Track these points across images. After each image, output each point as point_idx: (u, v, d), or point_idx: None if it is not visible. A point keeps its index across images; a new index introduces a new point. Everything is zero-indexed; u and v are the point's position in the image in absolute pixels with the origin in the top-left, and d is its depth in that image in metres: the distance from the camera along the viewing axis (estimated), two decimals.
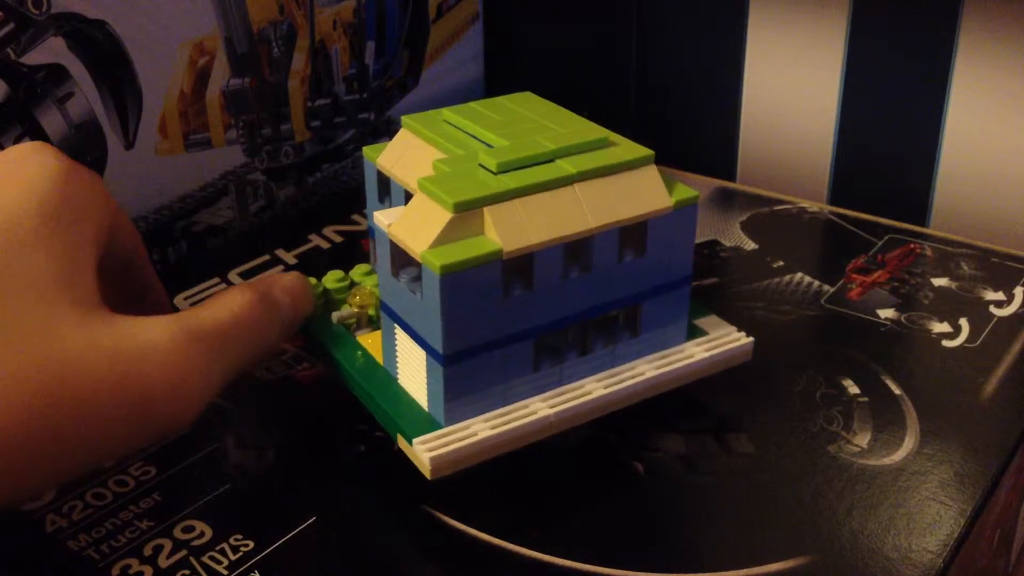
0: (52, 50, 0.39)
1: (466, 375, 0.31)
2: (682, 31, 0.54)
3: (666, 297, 0.33)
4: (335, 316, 0.35)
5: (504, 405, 0.32)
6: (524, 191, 0.30)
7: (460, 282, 0.29)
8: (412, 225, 0.30)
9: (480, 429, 0.31)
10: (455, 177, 0.31)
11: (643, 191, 0.32)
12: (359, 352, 0.34)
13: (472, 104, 0.36)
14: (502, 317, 0.30)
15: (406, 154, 0.34)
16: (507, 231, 0.30)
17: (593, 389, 0.32)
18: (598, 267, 0.31)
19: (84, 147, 0.41)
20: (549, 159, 0.31)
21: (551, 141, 0.32)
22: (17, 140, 0.39)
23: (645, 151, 0.32)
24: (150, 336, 0.28)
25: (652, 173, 0.32)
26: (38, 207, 0.28)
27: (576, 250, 0.31)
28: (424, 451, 0.30)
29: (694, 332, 0.35)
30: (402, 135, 0.35)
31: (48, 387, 0.26)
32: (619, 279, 0.32)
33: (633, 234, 0.32)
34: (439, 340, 0.30)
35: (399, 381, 0.33)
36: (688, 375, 0.34)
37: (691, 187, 0.33)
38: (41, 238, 0.27)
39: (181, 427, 0.29)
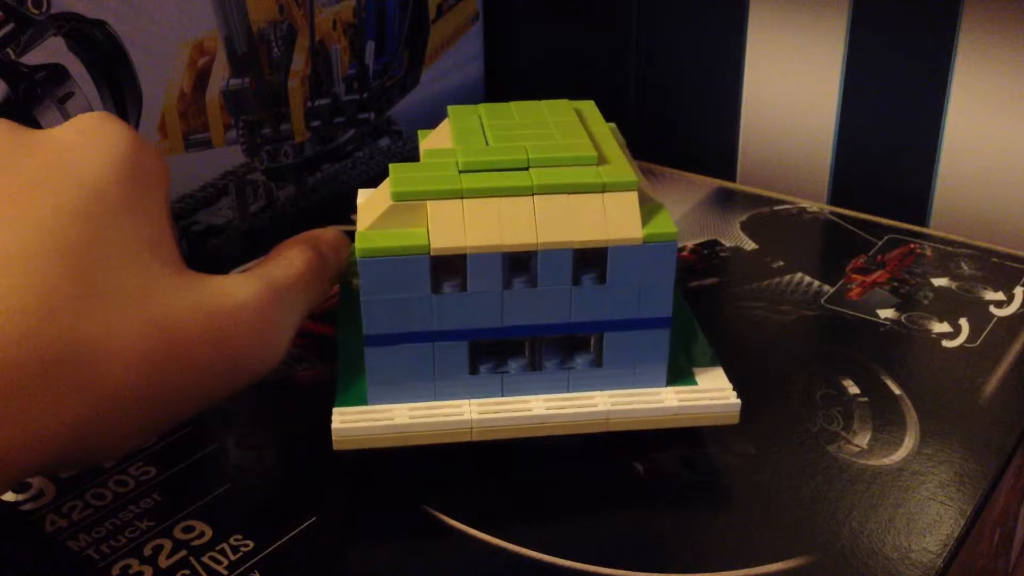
0: (52, 50, 0.39)
1: (391, 360, 0.31)
2: (682, 31, 0.54)
3: (637, 335, 0.32)
4: (356, 282, 0.36)
5: (435, 399, 0.32)
6: (475, 193, 0.30)
7: (381, 268, 0.30)
8: (370, 206, 0.31)
9: (399, 415, 0.31)
10: (421, 168, 0.31)
11: (610, 217, 0.31)
12: (355, 319, 0.35)
13: (512, 103, 0.36)
14: (433, 312, 0.31)
15: (434, 140, 0.35)
16: (442, 228, 0.30)
17: (535, 407, 0.32)
18: (547, 285, 0.31)
19: None
20: (523, 167, 0.31)
21: (535, 151, 0.31)
22: None
23: (629, 177, 0.31)
24: (239, 294, 0.29)
25: (629, 200, 0.31)
26: (120, 174, 0.29)
27: (520, 262, 0.31)
28: (336, 421, 0.31)
29: (686, 380, 0.33)
30: (444, 123, 0.36)
31: (157, 347, 0.27)
32: (576, 303, 0.31)
33: (592, 259, 0.31)
34: (364, 320, 0.31)
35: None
36: (651, 420, 0.32)
37: (670, 225, 0.31)
38: (126, 204, 0.28)
39: (268, 373, 0.31)
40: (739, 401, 0.32)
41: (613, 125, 0.39)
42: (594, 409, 0.32)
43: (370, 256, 0.30)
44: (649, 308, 0.32)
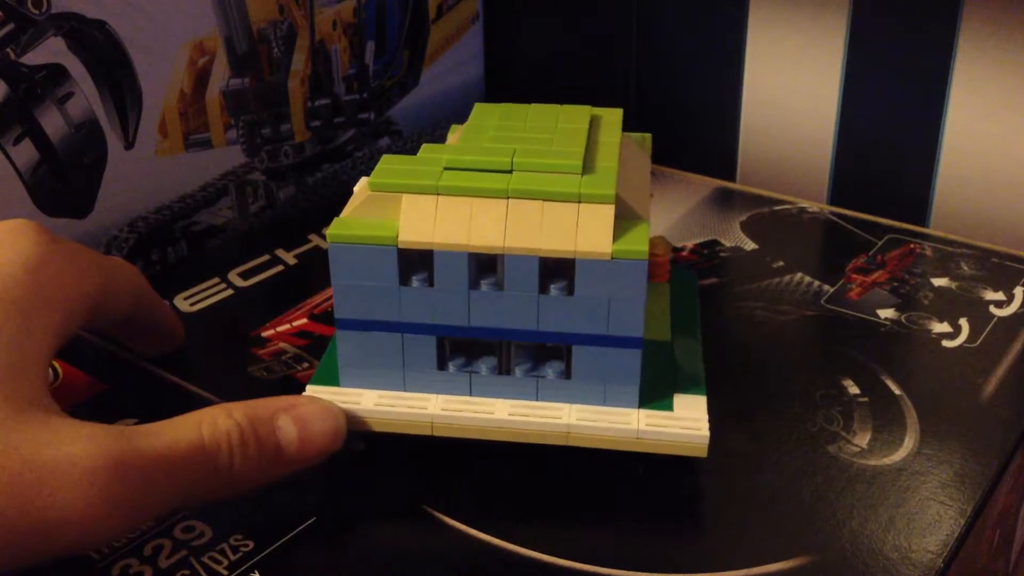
0: (52, 50, 0.39)
1: (361, 346, 0.32)
2: (682, 31, 0.54)
3: (607, 352, 0.31)
4: None
5: (403, 390, 0.32)
6: (450, 191, 0.30)
7: (350, 255, 0.31)
8: (357, 194, 0.32)
9: (367, 401, 0.32)
10: (409, 162, 0.32)
11: (582, 229, 0.30)
12: None
13: (532, 105, 0.36)
14: (400, 303, 0.31)
15: (455, 135, 0.36)
16: (412, 222, 0.30)
17: (498, 411, 0.32)
18: (514, 290, 0.31)
19: (84, 147, 0.41)
20: (506, 170, 0.31)
21: (522, 154, 0.31)
22: (17, 140, 0.39)
23: (606, 190, 0.30)
24: (73, 450, 0.26)
25: (604, 213, 0.30)
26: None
27: (489, 264, 0.31)
28: None
29: (661, 403, 0.32)
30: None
31: None
32: (543, 312, 0.31)
33: (561, 270, 0.31)
34: (335, 303, 0.32)
35: None
36: (613, 440, 0.31)
37: (643, 243, 0.30)
38: None
39: (85, 552, 0.27)
40: (708, 434, 0.31)
41: (647, 136, 0.38)
42: (556, 421, 0.32)
43: (340, 242, 0.31)
44: (619, 327, 0.31)
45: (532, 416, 0.32)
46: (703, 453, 0.31)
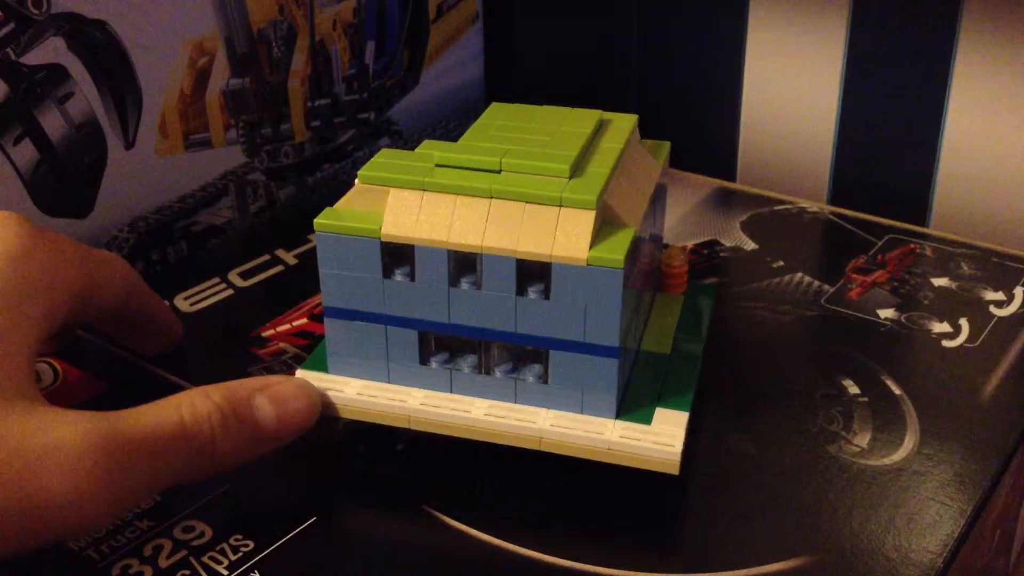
0: (52, 50, 0.39)
1: (347, 335, 0.32)
2: (682, 31, 0.54)
3: (583, 359, 0.31)
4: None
5: (387, 382, 0.33)
6: (435, 187, 0.31)
7: (336, 244, 0.31)
8: (355, 185, 0.32)
9: (351, 389, 0.32)
10: (404, 157, 0.32)
11: (560, 233, 0.30)
12: None
13: (542, 107, 0.36)
14: (383, 296, 0.32)
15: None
16: (396, 216, 0.31)
17: (475, 411, 0.32)
18: (492, 290, 0.31)
19: (84, 147, 0.41)
20: (495, 170, 0.31)
21: (514, 155, 0.31)
22: (17, 140, 0.39)
23: (589, 195, 0.30)
24: (59, 434, 0.26)
25: (583, 219, 0.30)
26: None
27: (467, 262, 0.31)
28: None
29: (640, 416, 0.32)
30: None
31: None
32: (521, 314, 0.31)
33: (539, 273, 0.30)
34: (322, 291, 0.32)
35: None
36: (585, 449, 0.31)
37: (620, 252, 0.29)
38: None
39: (78, 536, 0.28)
40: (680, 451, 0.30)
41: (665, 144, 0.38)
42: (530, 425, 0.31)
43: (327, 231, 0.31)
44: (595, 334, 0.30)
45: (507, 418, 0.32)
46: (675, 470, 0.31)
